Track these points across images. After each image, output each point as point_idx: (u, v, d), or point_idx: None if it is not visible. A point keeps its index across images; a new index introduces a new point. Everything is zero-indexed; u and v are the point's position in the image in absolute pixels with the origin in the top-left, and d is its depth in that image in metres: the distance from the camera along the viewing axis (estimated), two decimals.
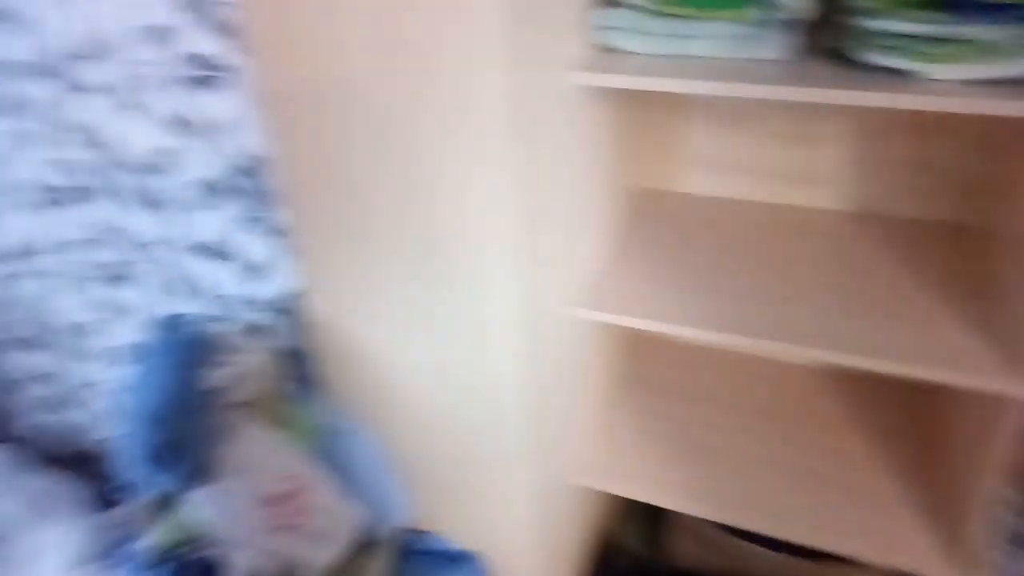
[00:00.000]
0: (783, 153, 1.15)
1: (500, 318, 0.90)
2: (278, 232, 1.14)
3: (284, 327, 1.24)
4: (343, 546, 0.99)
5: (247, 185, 1.11)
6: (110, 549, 1.16)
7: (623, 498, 1.24)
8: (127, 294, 1.34)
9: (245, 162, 1.09)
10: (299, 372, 1.13)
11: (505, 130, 0.77)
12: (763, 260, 1.06)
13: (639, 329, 0.99)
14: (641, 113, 1.19)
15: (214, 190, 1.14)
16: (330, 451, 1.06)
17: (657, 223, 1.18)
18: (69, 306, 1.40)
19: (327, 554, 0.97)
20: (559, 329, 1.01)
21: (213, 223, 1.18)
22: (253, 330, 1.26)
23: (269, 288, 1.21)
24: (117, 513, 1.10)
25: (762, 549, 1.28)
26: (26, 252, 1.35)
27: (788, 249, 1.09)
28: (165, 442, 1.01)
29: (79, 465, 1.50)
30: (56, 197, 1.24)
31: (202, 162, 1.11)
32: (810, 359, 0.93)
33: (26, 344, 1.52)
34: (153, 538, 1.03)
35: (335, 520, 0.99)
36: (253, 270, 1.20)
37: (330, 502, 0.99)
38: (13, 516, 1.20)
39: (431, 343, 0.97)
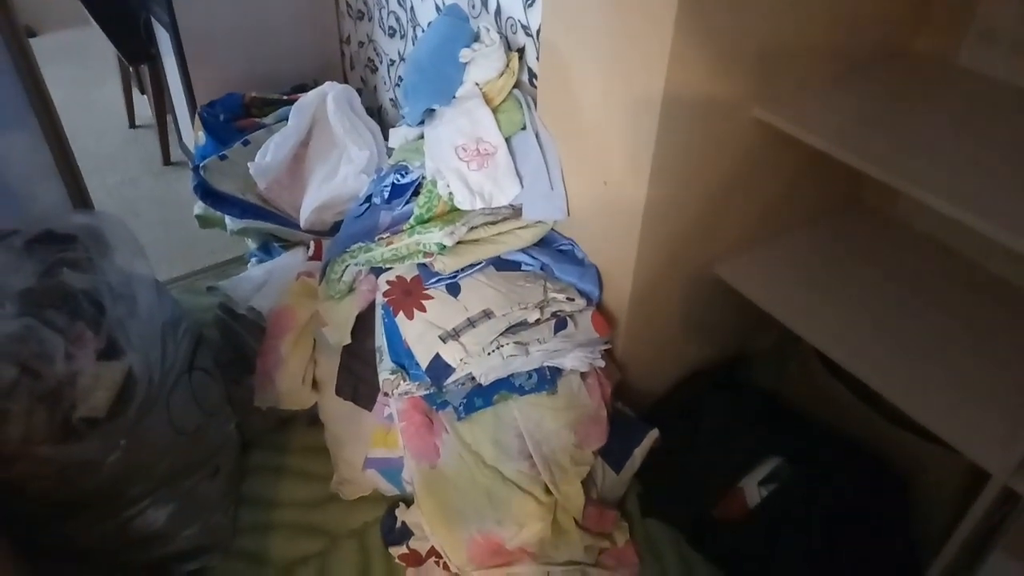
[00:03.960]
0: None
1: None
2: None
3: (531, 49, 1.49)
4: (506, 204, 1.29)
5: None
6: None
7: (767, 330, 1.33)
8: None
9: None
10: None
11: None
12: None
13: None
14: None
15: None
16: (519, 143, 1.33)
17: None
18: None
19: (503, 198, 1.27)
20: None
21: None
22: (513, 45, 1.53)
23: (535, 16, 1.45)
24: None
25: (861, 404, 1.29)
26: None
27: None
28: (414, 84, 1.37)
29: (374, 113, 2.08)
30: None
31: None
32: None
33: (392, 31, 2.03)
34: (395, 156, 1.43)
35: (505, 181, 1.28)
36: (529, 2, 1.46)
37: (504, 169, 1.28)
38: (341, 135, 1.76)
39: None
